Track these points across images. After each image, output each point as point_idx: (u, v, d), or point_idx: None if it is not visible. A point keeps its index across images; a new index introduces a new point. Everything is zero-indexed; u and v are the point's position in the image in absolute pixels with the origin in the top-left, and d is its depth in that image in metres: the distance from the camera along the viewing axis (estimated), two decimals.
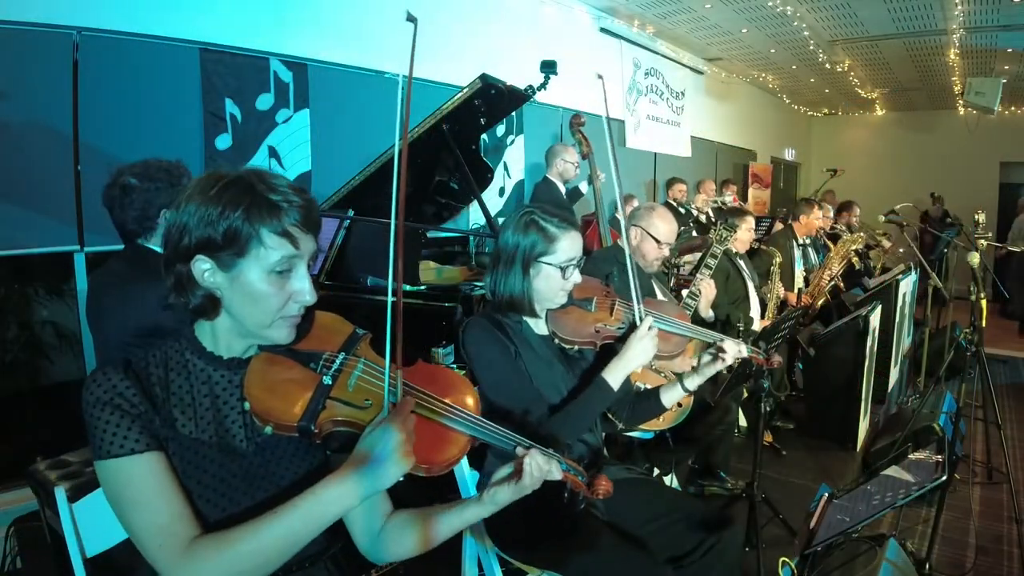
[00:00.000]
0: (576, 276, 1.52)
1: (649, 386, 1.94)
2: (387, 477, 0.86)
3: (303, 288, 0.95)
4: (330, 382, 0.95)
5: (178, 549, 0.85)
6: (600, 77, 1.67)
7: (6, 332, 2.93)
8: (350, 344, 1.02)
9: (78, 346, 2.85)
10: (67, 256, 2.69)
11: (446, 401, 0.99)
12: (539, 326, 1.60)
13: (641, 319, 1.55)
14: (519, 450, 1.01)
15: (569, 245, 1.50)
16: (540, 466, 0.99)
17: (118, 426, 0.87)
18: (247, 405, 0.93)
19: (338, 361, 0.98)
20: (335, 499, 0.87)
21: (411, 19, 0.92)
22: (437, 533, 1.05)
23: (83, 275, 2.70)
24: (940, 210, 7.71)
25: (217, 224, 0.89)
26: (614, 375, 1.52)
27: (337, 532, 1.06)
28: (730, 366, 1.66)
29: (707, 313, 2.75)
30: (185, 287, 0.93)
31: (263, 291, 0.92)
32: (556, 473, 1.01)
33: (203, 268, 0.91)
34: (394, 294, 0.89)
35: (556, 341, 1.59)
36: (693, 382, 1.64)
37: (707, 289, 2.63)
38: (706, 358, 1.64)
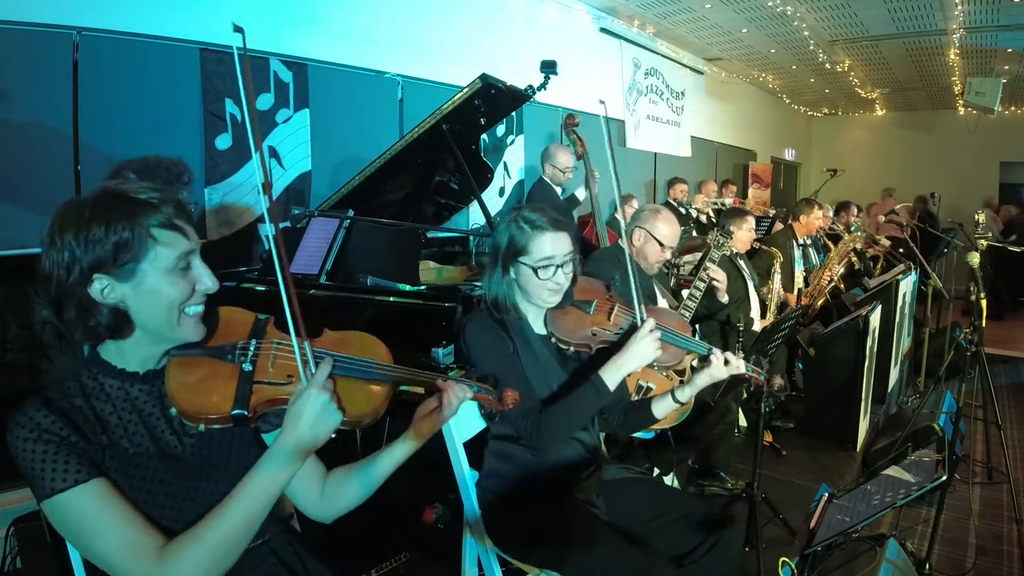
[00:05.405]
0: (559, 277, 1.51)
1: (654, 385, 1.94)
2: (321, 434, 0.93)
3: (203, 275, 0.98)
4: (250, 368, 0.98)
5: (152, 560, 0.87)
6: (602, 102, 1.76)
7: (6, 332, 2.92)
8: (258, 331, 1.05)
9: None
10: None
11: (361, 358, 1.05)
12: (539, 325, 1.61)
13: (643, 320, 1.55)
14: (439, 382, 1.13)
15: (542, 245, 1.49)
16: (458, 394, 1.13)
17: (55, 460, 0.86)
18: (174, 411, 0.93)
19: (252, 348, 1.00)
20: (280, 466, 0.92)
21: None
22: (378, 474, 1.15)
23: None
24: (926, 208, 7.56)
25: (105, 240, 0.89)
26: (611, 374, 1.51)
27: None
28: None
29: (725, 298, 2.79)
30: (89, 311, 0.92)
31: (167, 290, 0.94)
32: (469, 394, 1.15)
33: (100, 287, 0.91)
34: (281, 271, 0.94)
35: (553, 340, 1.60)
36: (684, 394, 1.62)
37: (719, 274, 2.66)
38: (699, 370, 1.62)
